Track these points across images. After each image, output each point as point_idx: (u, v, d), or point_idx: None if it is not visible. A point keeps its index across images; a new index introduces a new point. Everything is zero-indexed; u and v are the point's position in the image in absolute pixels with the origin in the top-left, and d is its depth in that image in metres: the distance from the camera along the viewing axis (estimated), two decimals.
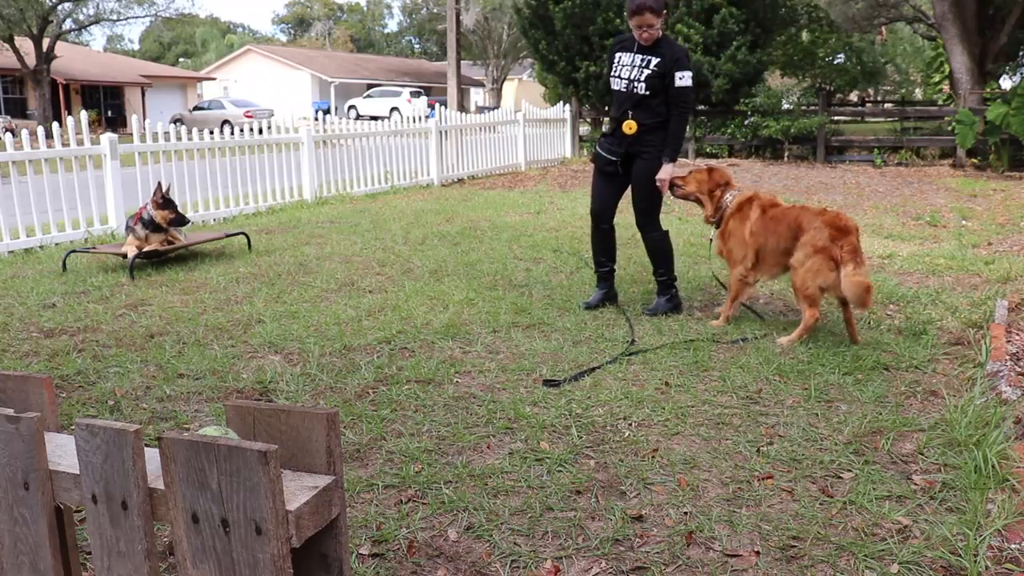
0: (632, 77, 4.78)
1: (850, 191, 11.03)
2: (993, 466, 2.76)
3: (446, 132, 12.76)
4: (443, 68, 38.70)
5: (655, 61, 4.72)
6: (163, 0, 34.02)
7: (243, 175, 9.50)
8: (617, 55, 4.89)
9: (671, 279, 5.01)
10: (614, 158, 4.89)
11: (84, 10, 31.19)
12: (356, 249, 7.01)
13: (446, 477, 2.85)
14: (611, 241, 5.11)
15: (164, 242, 6.37)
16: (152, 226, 6.25)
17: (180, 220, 6.39)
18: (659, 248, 5.00)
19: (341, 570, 1.43)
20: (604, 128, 18.39)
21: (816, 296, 4.24)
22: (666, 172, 4.76)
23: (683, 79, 4.70)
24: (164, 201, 6.29)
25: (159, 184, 6.46)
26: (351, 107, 39.01)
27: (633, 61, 4.79)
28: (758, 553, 2.36)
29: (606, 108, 17.93)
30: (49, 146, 7.63)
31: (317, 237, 7.64)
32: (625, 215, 5.22)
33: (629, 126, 4.80)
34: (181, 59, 63.45)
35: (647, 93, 4.74)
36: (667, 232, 5.02)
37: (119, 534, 1.38)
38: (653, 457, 2.98)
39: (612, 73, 4.91)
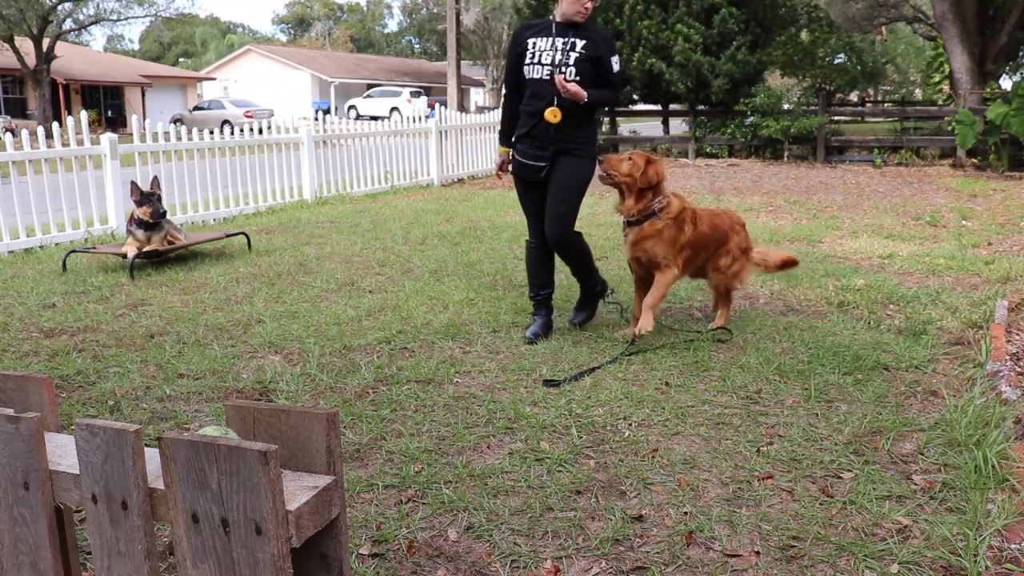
0: (557, 61, 4.21)
1: (850, 191, 11.03)
2: (993, 466, 2.76)
3: (446, 132, 12.76)
4: (443, 68, 38.69)
5: (582, 43, 4.22)
6: (163, 0, 34.03)
7: (243, 175, 9.50)
8: (529, 42, 4.32)
9: (593, 287, 4.63)
10: (543, 163, 4.30)
11: (84, 10, 31.20)
12: (356, 249, 7.01)
13: (446, 477, 2.85)
14: (553, 260, 4.58)
15: (164, 242, 6.37)
16: (145, 225, 6.25)
17: (156, 212, 6.29)
18: (581, 253, 4.49)
19: (341, 570, 1.43)
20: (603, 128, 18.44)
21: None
22: (575, 86, 4.14)
23: (617, 63, 4.33)
24: (142, 197, 6.28)
25: (133, 183, 6.44)
26: (351, 107, 39.01)
27: (554, 44, 4.24)
28: (758, 553, 2.36)
29: (605, 108, 17.92)
30: (49, 146, 7.63)
31: (317, 237, 7.64)
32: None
33: (553, 113, 4.18)
34: (181, 59, 63.46)
35: (576, 79, 4.18)
36: (581, 233, 4.52)
37: (119, 534, 1.38)
38: (653, 457, 2.98)
39: (527, 61, 4.30)
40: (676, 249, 4.31)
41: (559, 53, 4.22)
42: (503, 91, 4.48)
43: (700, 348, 4.20)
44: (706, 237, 4.44)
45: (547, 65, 4.23)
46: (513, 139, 4.48)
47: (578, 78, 4.19)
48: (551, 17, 4.38)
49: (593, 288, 4.66)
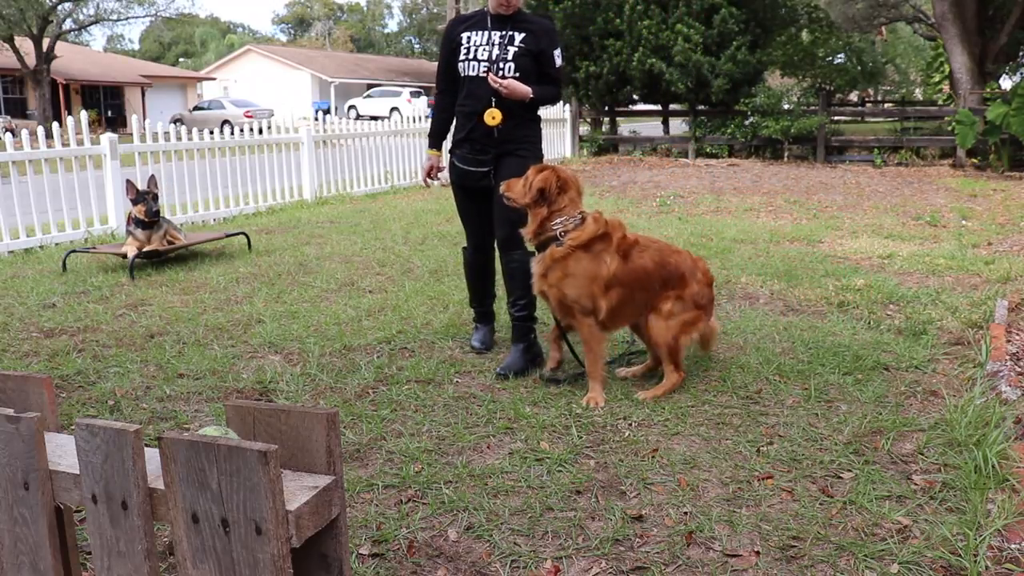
0: (495, 57, 3.86)
1: (850, 191, 11.03)
2: (993, 466, 2.76)
3: None
4: None
5: (521, 36, 3.88)
6: (163, 0, 34.03)
7: (243, 175, 9.50)
8: (463, 35, 3.94)
9: (532, 318, 4.03)
10: (485, 168, 3.95)
11: (84, 10, 31.20)
12: (356, 249, 7.01)
13: (446, 477, 2.85)
14: (492, 270, 4.27)
15: (164, 242, 6.37)
16: (144, 224, 6.25)
17: (150, 211, 6.25)
18: (524, 272, 3.83)
19: (341, 570, 1.43)
20: (604, 127, 18.42)
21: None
22: (517, 83, 3.81)
23: (560, 57, 3.97)
24: (137, 196, 6.29)
25: (128, 181, 6.46)
26: (351, 107, 39.01)
27: (491, 39, 3.88)
28: (758, 553, 2.36)
29: (606, 108, 17.93)
30: (49, 146, 7.63)
31: (317, 237, 7.64)
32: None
33: (492, 115, 3.82)
34: (181, 59, 63.46)
35: (516, 75, 3.84)
36: (533, 254, 3.78)
37: (119, 534, 1.38)
38: (653, 457, 2.98)
39: (462, 57, 3.94)
40: (595, 288, 3.49)
41: (496, 48, 3.87)
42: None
43: None
44: (648, 274, 3.58)
45: (483, 61, 3.88)
46: (451, 145, 4.12)
47: (517, 75, 3.85)
48: (485, 8, 4.00)
49: (525, 325, 4.01)
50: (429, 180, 4.29)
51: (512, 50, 3.87)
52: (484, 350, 4.22)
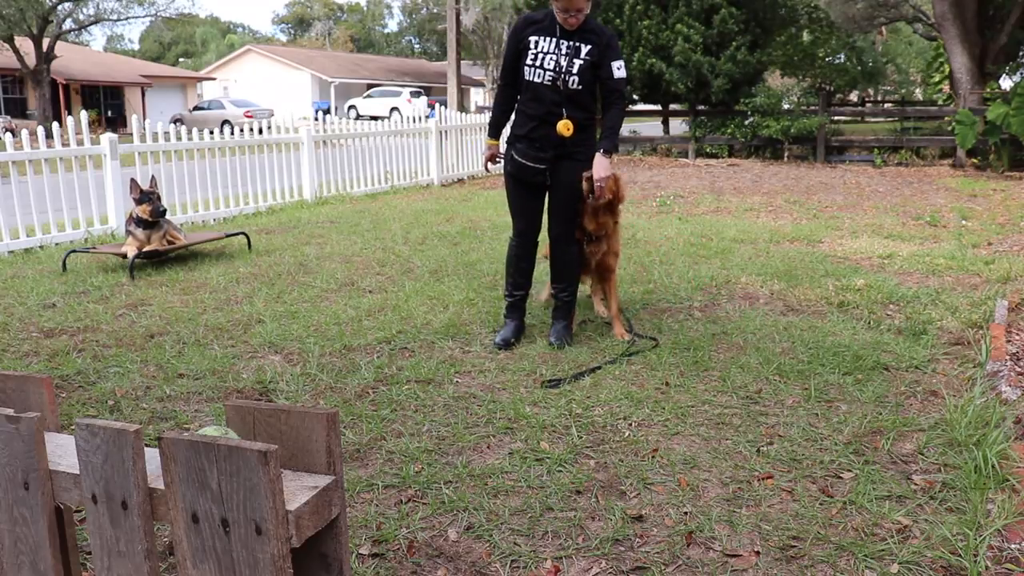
0: (561, 68, 4.01)
1: (850, 191, 11.03)
2: (993, 466, 2.76)
3: (446, 132, 12.76)
4: (443, 68, 38.67)
5: (587, 48, 4.01)
6: (163, 0, 34.03)
7: (243, 175, 9.49)
8: (531, 39, 4.05)
9: (574, 301, 4.49)
10: (542, 166, 4.17)
11: (84, 10, 31.20)
12: (356, 249, 7.01)
13: (446, 477, 2.85)
14: (534, 258, 4.51)
15: (164, 242, 6.37)
16: (145, 223, 6.25)
17: (157, 211, 6.27)
18: (573, 263, 4.42)
19: (341, 570, 1.43)
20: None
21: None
22: (606, 168, 4.10)
23: (620, 69, 4.07)
24: (141, 195, 6.29)
25: (132, 180, 6.46)
26: (351, 107, 39.02)
27: (558, 48, 4.01)
28: (758, 553, 2.36)
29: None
30: (49, 146, 7.63)
31: (317, 237, 7.64)
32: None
33: (567, 126, 4.04)
34: (181, 59, 63.49)
35: (579, 87, 4.04)
36: (582, 247, 4.47)
37: (119, 534, 1.38)
38: (653, 457, 2.98)
39: (528, 62, 4.06)
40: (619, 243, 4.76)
41: (563, 58, 4.00)
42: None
43: (700, 348, 4.20)
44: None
45: (549, 71, 4.03)
46: (510, 137, 4.32)
47: (580, 87, 4.04)
48: (553, 11, 4.06)
49: (569, 304, 4.45)
50: (491, 166, 4.53)
51: (578, 63, 4.02)
52: (505, 346, 4.25)
